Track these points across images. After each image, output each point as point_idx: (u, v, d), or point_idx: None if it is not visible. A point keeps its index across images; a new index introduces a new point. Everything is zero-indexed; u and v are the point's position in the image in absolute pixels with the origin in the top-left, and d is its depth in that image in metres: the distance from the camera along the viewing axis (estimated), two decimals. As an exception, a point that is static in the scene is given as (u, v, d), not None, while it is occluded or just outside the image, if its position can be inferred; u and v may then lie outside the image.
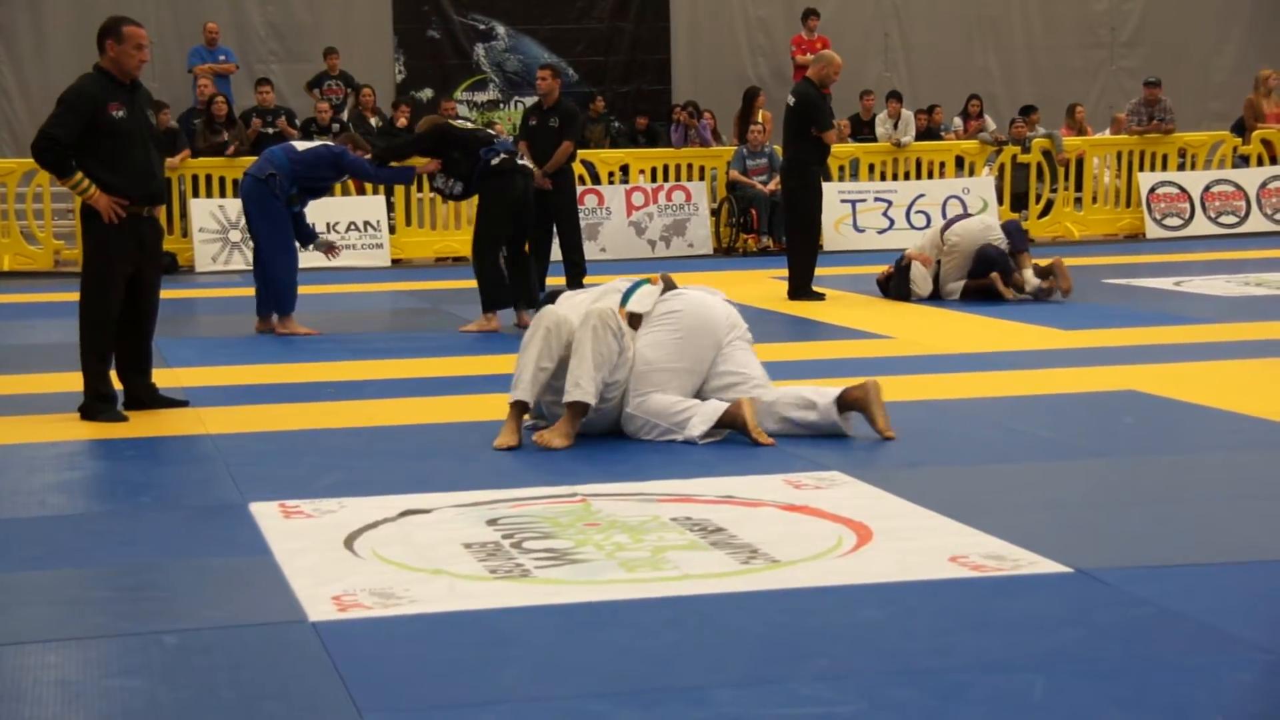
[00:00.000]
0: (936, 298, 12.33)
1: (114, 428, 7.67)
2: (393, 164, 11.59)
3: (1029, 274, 12.16)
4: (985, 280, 12.12)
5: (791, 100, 12.78)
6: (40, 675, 4.18)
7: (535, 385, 7.03)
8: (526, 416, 7.21)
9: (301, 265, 16.34)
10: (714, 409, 7.02)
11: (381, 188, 17.23)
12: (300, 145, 11.36)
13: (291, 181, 10.98)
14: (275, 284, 11.06)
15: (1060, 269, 12.14)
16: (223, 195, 16.95)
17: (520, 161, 11.38)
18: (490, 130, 12.11)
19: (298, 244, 11.27)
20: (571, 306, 7.31)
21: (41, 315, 12.69)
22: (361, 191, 17.29)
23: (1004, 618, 4.52)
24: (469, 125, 12.01)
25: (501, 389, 8.52)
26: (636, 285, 7.42)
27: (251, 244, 11.62)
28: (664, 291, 7.39)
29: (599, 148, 19.15)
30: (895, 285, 12.46)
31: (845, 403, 7.08)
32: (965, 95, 20.19)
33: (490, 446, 7.00)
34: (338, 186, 17.30)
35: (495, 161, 11.10)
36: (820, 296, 12.55)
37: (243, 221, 16.49)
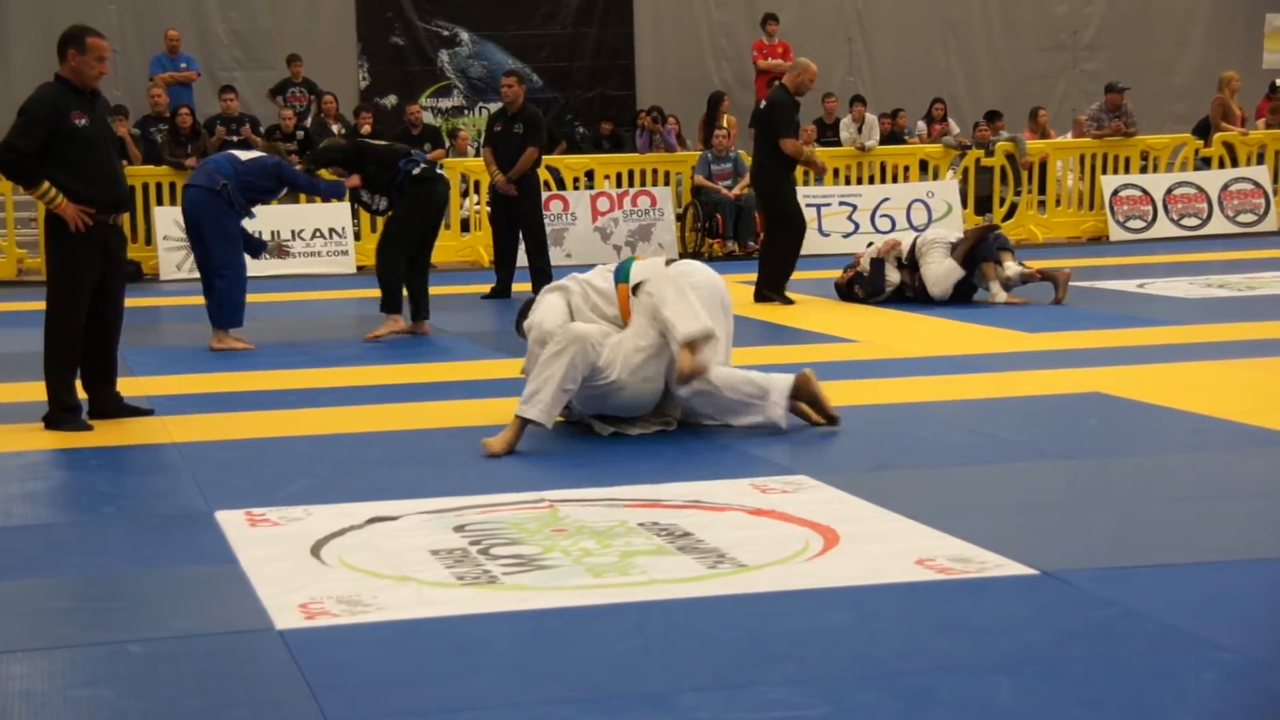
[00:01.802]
0: (900, 297, 12.37)
1: (78, 437, 7.64)
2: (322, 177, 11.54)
3: (998, 285, 12.19)
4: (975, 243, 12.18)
5: (763, 104, 12.83)
6: (5, 686, 4.16)
7: (556, 406, 6.99)
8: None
9: (268, 272, 16.40)
10: (785, 383, 7.18)
11: (347, 195, 17.16)
12: (242, 155, 11.09)
13: (240, 191, 10.73)
14: (226, 297, 10.65)
15: (1063, 281, 12.16)
16: (187, 203, 16.86)
17: (439, 171, 11.46)
18: (404, 146, 12.17)
19: (248, 257, 10.96)
20: (561, 308, 7.41)
21: (4, 325, 12.61)
22: (327, 199, 17.21)
23: (970, 620, 4.54)
24: (383, 142, 12.08)
25: (468, 395, 8.55)
26: (626, 261, 7.54)
27: (198, 257, 11.03)
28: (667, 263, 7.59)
29: (564, 153, 19.13)
30: (871, 279, 12.47)
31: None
32: (928, 99, 20.25)
33: (457, 452, 6.99)
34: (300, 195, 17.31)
35: (416, 171, 11.19)
36: (789, 301, 12.55)
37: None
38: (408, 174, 11.15)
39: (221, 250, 10.70)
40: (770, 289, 12.60)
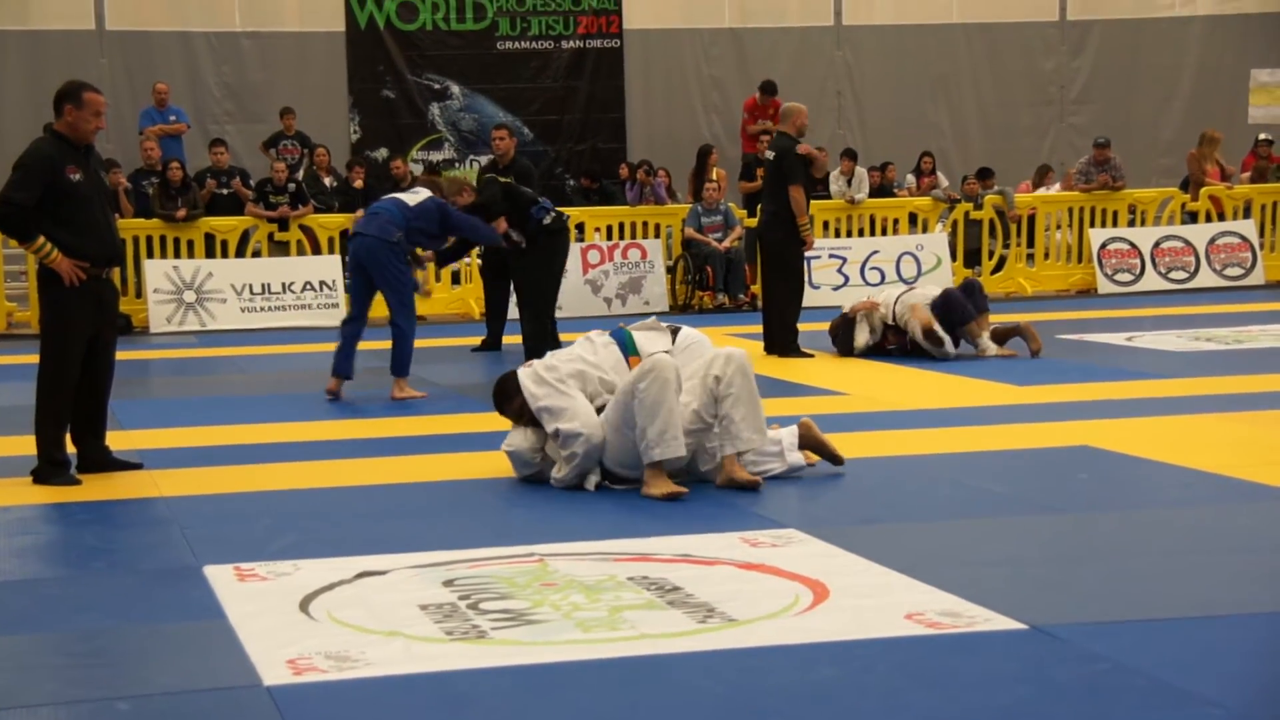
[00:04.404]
0: (880, 351, 12.34)
1: (67, 491, 7.62)
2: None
3: (986, 338, 12.18)
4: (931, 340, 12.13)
5: (771, 155, 12.81)
6: (-8, 743, 4.14)
7: (681, 433, 7.07)
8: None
9: (256, 326, 16.41)
10: (792, 434, 7.54)
11: (337, 247, 17.25)
12: (409, 199, 10.98)
13: (407, 237, 10.76)
14: (402, 344, 10.66)
15: (1029, 331, 12.19)
16: (177, 256, 16.91)
17: (565, 218, 11.87)
18: (530, 190, 12.30)
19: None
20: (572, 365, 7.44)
21: (-6, 377, 12.60)
22: (317, 251, 17.27)
23: (960, 675, 4.53)
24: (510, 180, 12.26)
25: (458, 449, 8.54)
26: (623, 332, 7.54)
27: (355, 304, 11.08)
28: (674, 336, 7.66)
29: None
30: (841, 339, 12.50)
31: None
32: (918, 152, 20.36)
33: (447, 505, 6.98)
34: (293, 246, 17.36)
35: (548, 220, 11.49)
36: (808, 354, 12.51)
37: (202, 282, 16.53)
38: (539, 222, 11.42)
39: (395, 296, 10.72)
40: (785, 347, 12.54)
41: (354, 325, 10.86)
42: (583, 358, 7.50)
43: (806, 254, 13.22)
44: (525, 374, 7.44)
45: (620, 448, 7.19)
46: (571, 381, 7.33)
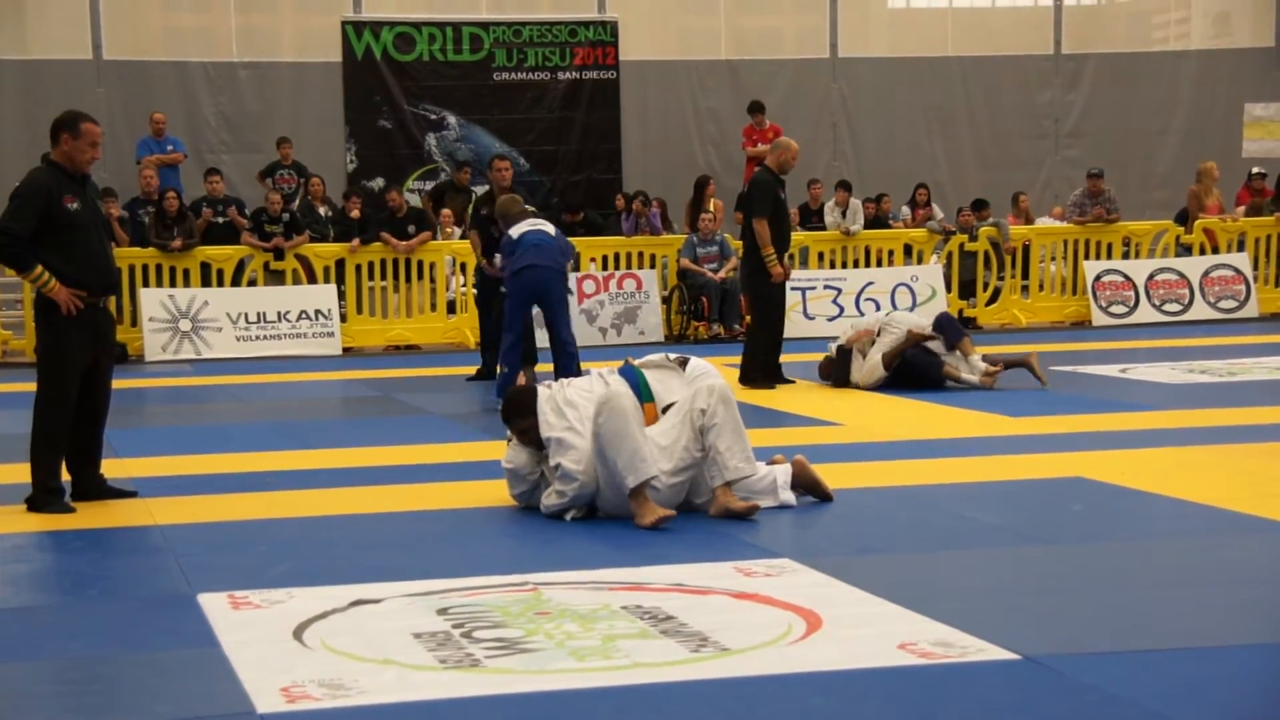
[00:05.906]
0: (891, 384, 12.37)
1: (61, 519, 7.62)
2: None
3: (976, 360, 12.18)
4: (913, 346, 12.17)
5: (745, 187, 12.88)
6: (-15, 770, 4.15)
7: (652, 455, 7.15)
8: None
9: (253, 354, 16.42)
10: (786, 472, 7.56)
11: (333, 276, 17.29)
12: (546, 228, 11.57)
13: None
14: (571, 362, 11.11)
15: (1035, 367, 12.16)
16: (173, 284, 16.92)
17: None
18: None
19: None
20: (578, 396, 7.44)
21: (-11, 405, 12.60)
22: (312, 280, 17.30)
23: (952, 705, 4.54)
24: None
25: (452, 477, 8.55)
26: (635, 372, 7.53)
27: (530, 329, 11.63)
28: (683, 367, 7.67)
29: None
30: (836, 370, 12.52)
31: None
32: (913, 184, 20.41)
33: (441, 534, 6.99)
34: (289, 275, 17.40)
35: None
36: (789, 381, 12.53)
37: (198, 311, 16.54)
38: None
39: (566, 323, 11.37)
40: (763, 374, 12.57)
41: (517, 351, 11.37)
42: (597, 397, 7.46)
43: (788, 284, 13.22)
44: (545, 399, 7.42)
45: (613, 496, 7.24)
46: (589, 425, 7.33)
